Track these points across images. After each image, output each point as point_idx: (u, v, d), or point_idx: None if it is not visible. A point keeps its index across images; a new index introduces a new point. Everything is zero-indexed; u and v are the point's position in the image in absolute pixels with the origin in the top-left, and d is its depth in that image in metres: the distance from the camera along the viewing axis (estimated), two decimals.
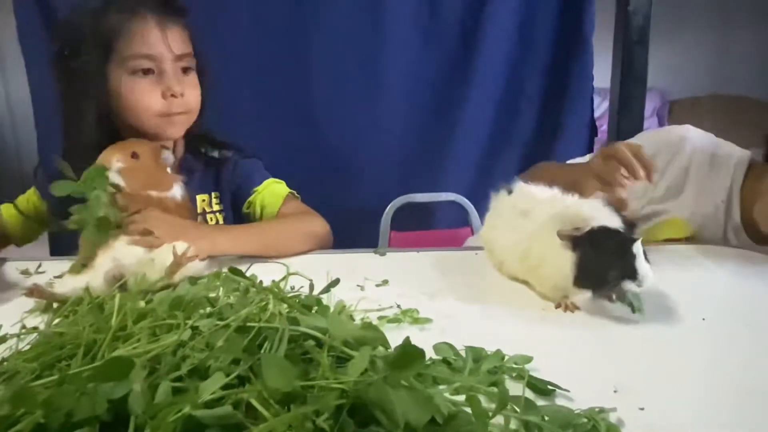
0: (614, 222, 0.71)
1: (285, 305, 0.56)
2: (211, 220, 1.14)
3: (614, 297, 0.71)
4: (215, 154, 1.15)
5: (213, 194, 1.15)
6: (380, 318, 0.68)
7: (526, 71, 1.77)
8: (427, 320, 0.68)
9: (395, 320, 0.67)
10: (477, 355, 0.55)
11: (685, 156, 1.08)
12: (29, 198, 1.15)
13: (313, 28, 1.68)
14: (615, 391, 0.52)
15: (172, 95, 1.02)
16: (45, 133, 1.60)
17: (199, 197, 1.12)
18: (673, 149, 1.09)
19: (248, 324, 0.50)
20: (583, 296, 0.72)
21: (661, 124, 3.74)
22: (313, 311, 0.59)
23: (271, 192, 1.14)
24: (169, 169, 0.95)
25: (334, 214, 1.14)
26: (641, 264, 0.68)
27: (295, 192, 1.18)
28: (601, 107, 2.86)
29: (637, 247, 0.68)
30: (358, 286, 0.81)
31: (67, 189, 0.81)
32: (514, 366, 0.53)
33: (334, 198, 1.59)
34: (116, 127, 1.05)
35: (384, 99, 1.75)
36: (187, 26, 1.08)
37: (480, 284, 0.84)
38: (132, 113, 1.03)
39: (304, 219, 1.10)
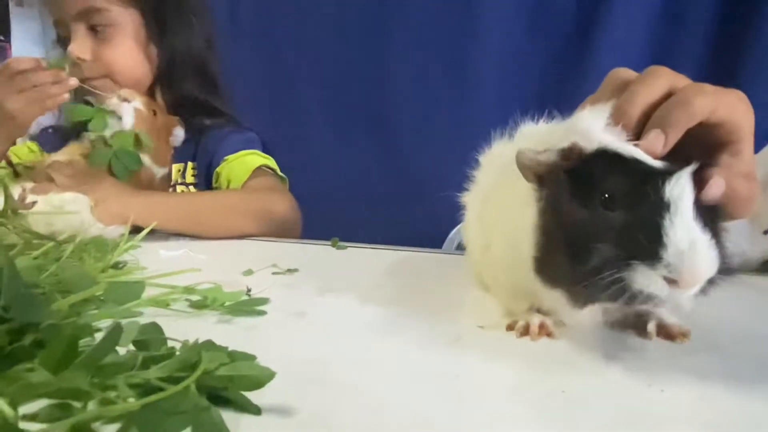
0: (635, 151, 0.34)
1: None
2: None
3: (626, 310, 0.39)
4: (207, 122, 1.01)
5: (190, 164, 1.01)
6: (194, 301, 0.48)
7: None
8: (251, 312, 0.46)
9: (201, 305, 0.46)
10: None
11: None
12: (29, 147, 1.05)
13: (394, 30, 1.50)
14: None
15: (78, 59, 0.91)
16: None
17: (174, 167, 0.99)
18: None
19: None
20: (559, 305, 0.38)
21: None
22: None
23: (241, 163, 0.96)
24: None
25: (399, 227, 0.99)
26: (683, 231, 0.32)
27: (278, 170, 0.99)
28: None
29: (680, 191, 0.33)
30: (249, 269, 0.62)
31: (83, 114, 0.85)
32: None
33: (399, 213, 1.38)
34: None
35: (474, 108, 1.49)
36: None
37: (420, 287, 0.59)
38: None
39: (260, 195, 0.90)
